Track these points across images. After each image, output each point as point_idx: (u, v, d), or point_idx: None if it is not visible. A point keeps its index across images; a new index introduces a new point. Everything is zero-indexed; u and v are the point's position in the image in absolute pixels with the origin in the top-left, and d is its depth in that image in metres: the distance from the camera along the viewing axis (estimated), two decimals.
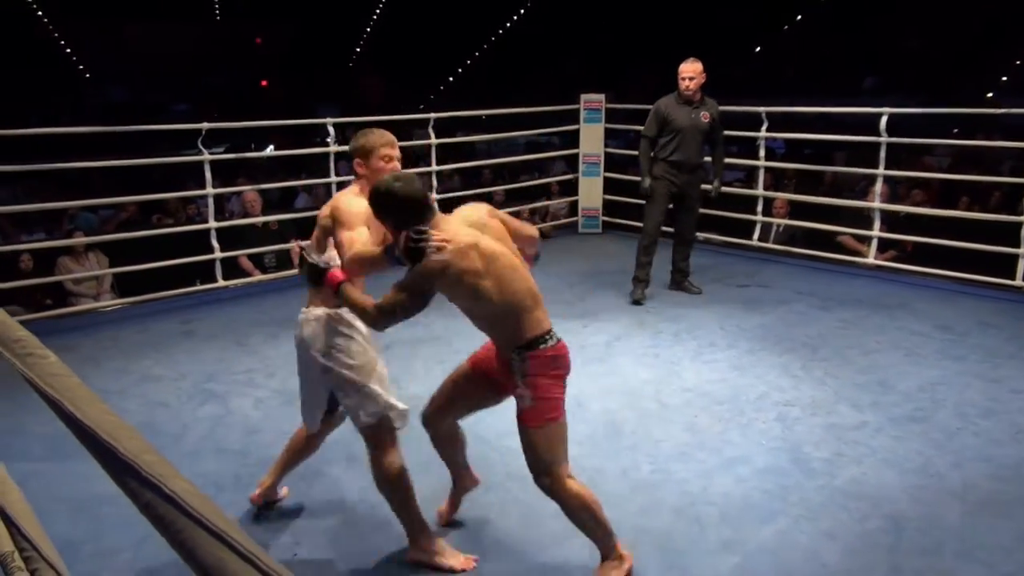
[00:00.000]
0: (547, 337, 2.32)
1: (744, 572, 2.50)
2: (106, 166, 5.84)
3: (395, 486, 2.53)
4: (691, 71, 5.17)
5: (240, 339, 4.70)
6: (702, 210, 5.74)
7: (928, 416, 3.58)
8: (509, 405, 3.53)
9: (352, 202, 2.49)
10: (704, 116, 5.21)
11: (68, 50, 22.32)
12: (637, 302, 5.28)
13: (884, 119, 5.73)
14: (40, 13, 20.61)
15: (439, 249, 2.17)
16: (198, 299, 5.60)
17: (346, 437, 2.91)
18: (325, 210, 2.60)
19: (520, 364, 2.31)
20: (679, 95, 5.24)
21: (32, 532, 0.77)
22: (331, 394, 2.66)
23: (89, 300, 5.80)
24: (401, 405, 2.57)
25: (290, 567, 2.48)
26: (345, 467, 3.17)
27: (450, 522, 2.81)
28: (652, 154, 5.28)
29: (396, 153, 2.60)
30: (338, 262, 2.43)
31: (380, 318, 2.26)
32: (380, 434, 2.52)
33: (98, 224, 7.93)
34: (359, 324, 2.52)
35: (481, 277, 2.21)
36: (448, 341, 4.60)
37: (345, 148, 3.05)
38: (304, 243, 2.51)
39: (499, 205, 7.61)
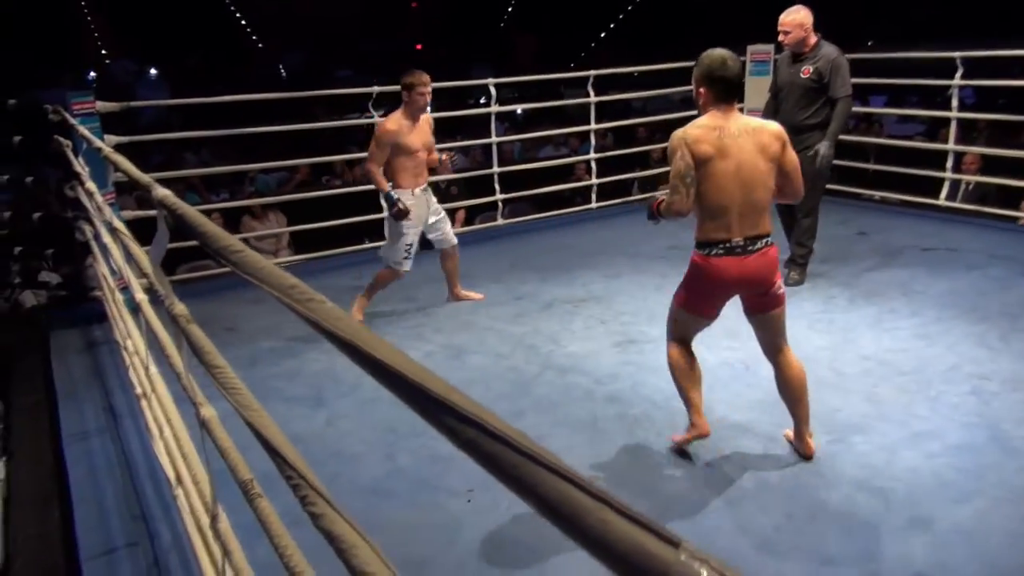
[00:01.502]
0: (715, 245, 2.63)
1: (938, 553, 2.35)
2: (280, 130, 6.24)
3: (377, 281, 4.44)
4: (786, 24, 4.56)
5: (409, 295, 4.91)
6: (878, 166, 5.26)
7: None
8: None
9: (383, 125, 4.20)
10: (805, 71, 4.55)
11: (244, 22, 23.90)
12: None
13: None
14: None
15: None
16: (367, 256, 5.89)
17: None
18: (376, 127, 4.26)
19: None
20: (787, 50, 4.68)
21: (296, 462, 0.83)
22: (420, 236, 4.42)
23: (270, 256, 6.26)
24: (404, 267, 4.36)
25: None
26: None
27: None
28: (774, 113, 4.73)
29: (428, 91, 4.20)
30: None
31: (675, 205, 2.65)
32: (388, 267, 4.40)
33: (275, 185, 8.51)
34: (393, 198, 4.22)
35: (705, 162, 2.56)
36: (609, 302, 4.59)
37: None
38: None
39: (655, 163, 7.45)
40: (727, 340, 3.95)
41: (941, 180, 6.05)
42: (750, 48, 6.90)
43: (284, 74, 21.44)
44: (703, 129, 2.55)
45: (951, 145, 6.01)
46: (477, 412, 0.46)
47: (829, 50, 4.56)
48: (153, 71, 20.93)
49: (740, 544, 2.43)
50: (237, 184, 8.56)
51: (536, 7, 23.55)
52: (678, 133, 2.58)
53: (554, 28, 22.68)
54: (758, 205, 2.59)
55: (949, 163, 5.99)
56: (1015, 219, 5.70)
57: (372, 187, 5.96)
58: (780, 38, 4.64)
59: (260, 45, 24.18)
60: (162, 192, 1.42)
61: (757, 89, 6.89)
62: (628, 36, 22.63)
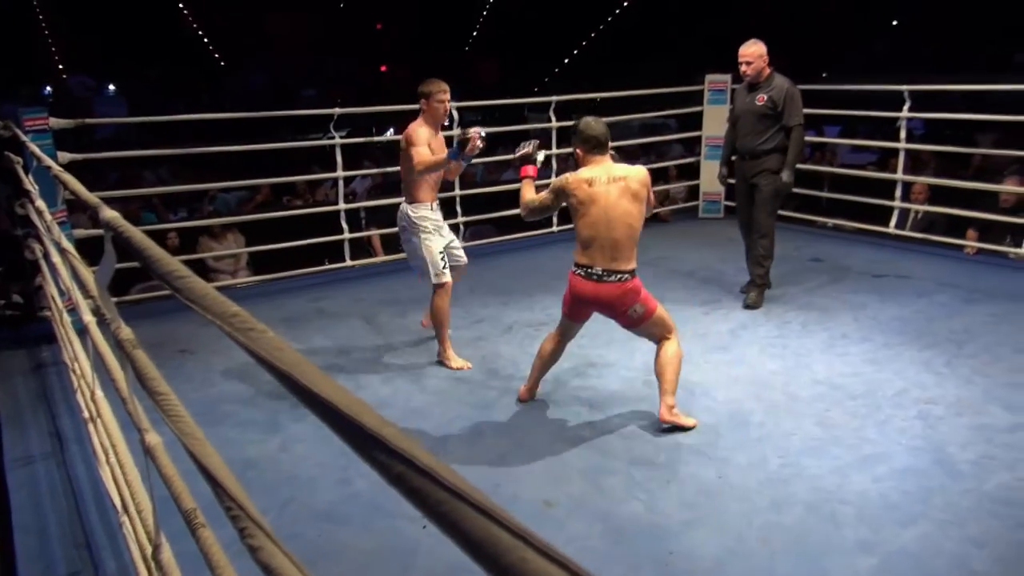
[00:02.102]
0: (581, 267, 3.24)
1: (884, 574, 2.39)
2: (241, 150, 6.17)
3: (440, 318, 4.01)
4: (749, 55, 4.76)
5: (369, 317, 4.88)
6: (832, 194, 5.42)
7: None
8: (629, 392, 3.50)
9: (419, 130, 3.89)
10: (760, 99, 4.75)
11: (206, 40, 23.73)
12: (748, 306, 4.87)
13: None
14: (183, 9, 22.02)
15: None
16: (327, 278, 5.85)
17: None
18: (403, 138, 3.96)
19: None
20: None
21: (236, 492, 0.82)
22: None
23: (227, 277, 6.18)
24: (442, 268, 3.96)
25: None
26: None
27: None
28: (733, 140, 4.99)
29: (447, 98, 3.96)
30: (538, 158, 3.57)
31: (526, 212, 3.43)
32: (435, 285, 3.97)
33: (235, 205, 8.41)
34: (421, 214, 3.97)
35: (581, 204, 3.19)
36: None
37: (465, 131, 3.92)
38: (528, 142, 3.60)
39: None
40: (682, 364, 4.00)
41: (892, 208, 6.23)
42: (708, 77, 7.07)
43: (248, 93, 21.30)
44: (578, 180, 3.19)
45: (900, 175, 6.20)
46: (407, 447, 0.46)
47: (782, 81, 4.76)
48: (112, 87, 20.63)
49: (694, 567, 2.45)
50: (196, 203, 8.45)
51: (501, 33, 23.82)
52: (566, 176, 3.26)
53: (519, 53, 22.94)
54: (619, 243, 3.16)
55: (898, 192, 6.18)
56: (961, 247, 5.88)
57: (334, 207, 5.97)
58: (743, 69, 4.81)
59: (223, 63, 24.01)
60: (110, 214, 1.40)
61: (714, 117, 7.07)
62: (591, 63, 22.98)
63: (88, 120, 4.92)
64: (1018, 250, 5.56)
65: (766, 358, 4.06)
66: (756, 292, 4.88)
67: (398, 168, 4.09)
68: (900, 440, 3.18)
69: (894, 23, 19.27)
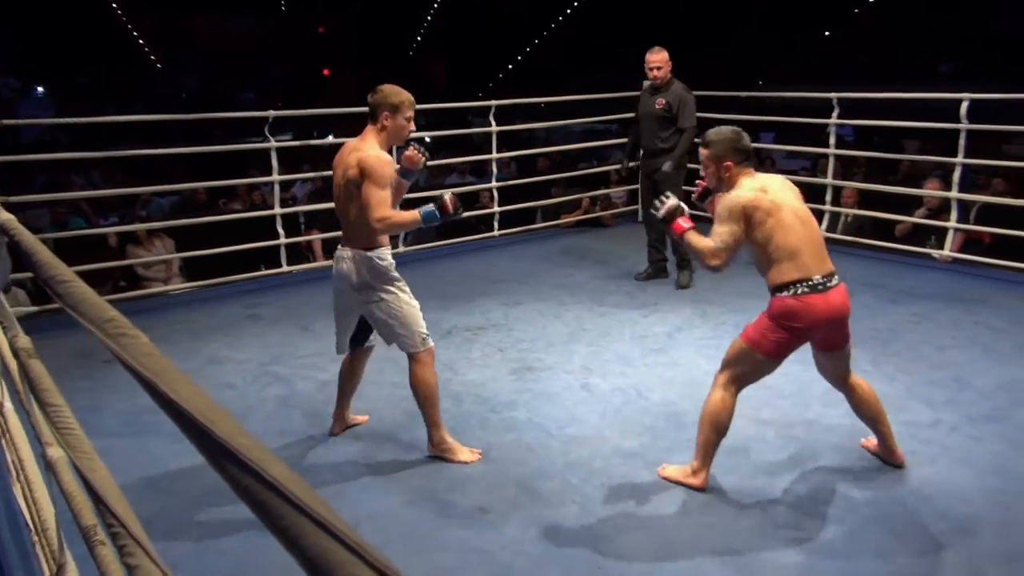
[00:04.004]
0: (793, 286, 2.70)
1: (810, 571, 2.44)
2: (176, 153, 6.01)
3: (427, 394, 3.08)
4: (658, 61, 5.29)
5: (305, 324, 4.79)
6: None
7: (1007, 415, 3.43)
8: (567, 395, 3.53)
9: (382, 160, 2.91)
10: (659, 103, 5.32)
11: (142, 42, 23.08)
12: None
13: (965, 104, 5.48)
14: (117, 9, 21.38)
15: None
16: (263, 284, 5.73)
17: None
18: (351, 160, 2.93)
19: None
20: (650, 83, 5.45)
21: (119, 509, 0.78)
22: (360, 324, 3.18)
23: (160, 284, 6.00)
24: (425, 330, 3.09)
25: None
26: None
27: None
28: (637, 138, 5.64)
29: (414, 114, 3.05)
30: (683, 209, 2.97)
31: (720, 262, 2.82)
32: (416, 353, 3.08)
33: (168, 210, 8.18)
34: (388, 263, 3.03)
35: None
36: (508, 329, 4.61)
37: (412, 135, 3.24)
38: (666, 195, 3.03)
39: (557, 193, 7.58)
40: (621, 367, 4.04)
41: (823, 212, 6.40)
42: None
43: (184, 96, 20.78)
44: (755, 192, 2.77)
45: (830, 180, 6.39)
46: (257, 459, 0.44)
47: (678, 87, 5.32)
48: (40, 89, 19.89)
49: (628, 570, 2.46)
50: (129, 208, 8.19)
51: (446, 38, 23.78)
52: (737, 195, 2.77)
53: (464, 58, 22.94)
54: (821, 242, 2.82)
55: (828, 196, 6.36)
56: (888, 249, 6.07)
57: (269, 212, 5.85)
58: (653, 73, 5.33)
59: (159, 66, 23.38)
60: (4, 216, 1.34)
61: None
62: (537, 69, 23.13)
63: (6, 121, 4.72)
64: (941, 251, 5.78)
65: (701, 359, 4.11)
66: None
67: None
68: (828, 438, 3.26)
69: (827, 34, 19.89)
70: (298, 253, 6.20)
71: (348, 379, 3.36)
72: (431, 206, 2.94)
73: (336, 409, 3.41)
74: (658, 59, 5.31)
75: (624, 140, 8.02)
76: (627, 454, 3.16)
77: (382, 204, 2.88)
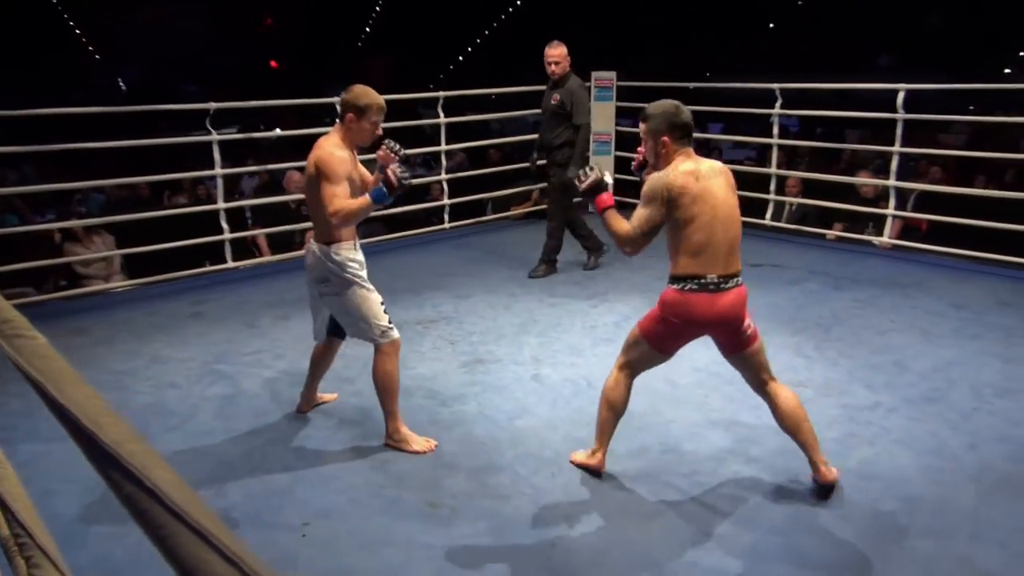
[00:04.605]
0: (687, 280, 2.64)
1: (755, 554, 2.48)
2: (115, 147, 5.80)
3: (386, 385, 3.11)
4: (557, 55, 5.24)
5: (250, 320, 4.69)
6: None
7: (943, 396, 3.54)
8: (517, 387, 3.53)
9: (335, 156, 2.93)
10: (554, 98, 5.28)
11: (79, 32, 22.31)
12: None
13: (901, 95, 5.63)
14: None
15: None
16: (208, 280, 5.60)
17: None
18: (311, 159, 3.00)
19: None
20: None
21: (27, 518, 0.75)
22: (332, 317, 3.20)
23: (100, 282, 5.81)
24: (386, 323, 3.09)
25: (298, 547, 2.48)
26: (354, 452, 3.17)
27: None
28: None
29: (382, 118, 3.08)
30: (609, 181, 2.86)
31: (632, 247, 2.70)
32: (379, 344, 3.09)
33: (106, 205, 7.92)
34: (345, 256, 3.02)
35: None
36: (459, 322, 4.59)
37: None
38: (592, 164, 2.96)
39: (506, 184, 7.56)
40: (571, 357, 4.05)
41: (768, 201, 6.53)
42: (594, 74, 7.19)
43: (123, 89, 20.17)
44: (684, 175, 2.64)
45: (774, 169, 6.51)
46: (139, 466, 0.42)
47: (573, 83, 5.27)
48: None
49: (576, 560, 2.47)
50: (66, 204, 7.90)
51: (395, 29, 23.53)
52: (662, 175, 2.65)
53: (413, 49, 22.73)
54: (735, 242, 2.69)
55: (772, 186, 6.48)
56: (832, 237, 6.22)
57: (212, 207, 5.70)
58: (551, 68, 5.25)
59: (97, 57, 22.64)
60: None
61: (602, 113, 7.20)
62: (488, 59, 23.06)
63: None
64: (881, 238, 5.94)
65: None
66: (544, 266, 5.46)
67: (284, 165, 3.74)
68: (772, 423, 3.30)
69: (771, 26, 20.25)
70: (244, 248, 6.07)
71: (318, 363, 3.43)
72: (379, 185, 2.91)
73: (304, 390, 3.48)
74: (556, 54, 5.23)
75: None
76: (577, 444, 3.17)
77: (335, 198, 2.89)
